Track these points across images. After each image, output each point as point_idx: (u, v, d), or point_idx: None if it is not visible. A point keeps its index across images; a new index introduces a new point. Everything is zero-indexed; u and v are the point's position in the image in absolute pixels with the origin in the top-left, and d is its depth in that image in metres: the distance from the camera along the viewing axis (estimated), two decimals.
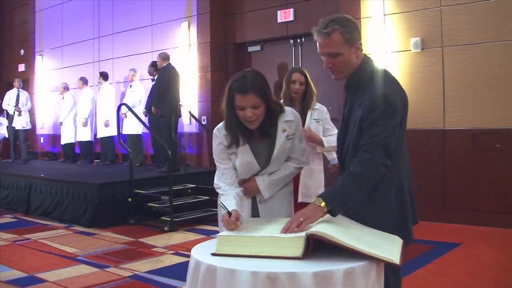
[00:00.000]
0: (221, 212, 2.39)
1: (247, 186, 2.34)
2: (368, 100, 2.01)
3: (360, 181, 1.96)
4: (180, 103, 7.65)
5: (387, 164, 1.98)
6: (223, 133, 2.26)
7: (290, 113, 2.32)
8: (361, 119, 2.01)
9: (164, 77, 7.51)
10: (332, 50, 2.06)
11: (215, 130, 2.31)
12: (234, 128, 2.22)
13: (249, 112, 2.14)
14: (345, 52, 2.06)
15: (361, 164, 1.96)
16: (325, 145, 3.39)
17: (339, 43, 2.05)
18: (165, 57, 7.72)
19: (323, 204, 1.91)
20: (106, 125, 9.09)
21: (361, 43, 2.10)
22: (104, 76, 9.33)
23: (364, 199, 2.01)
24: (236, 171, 2.31)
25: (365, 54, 2.15)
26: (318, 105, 3.65)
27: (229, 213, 2.02)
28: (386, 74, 2.13)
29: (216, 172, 2.35)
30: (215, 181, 2.32)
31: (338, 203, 1.94)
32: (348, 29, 2.06)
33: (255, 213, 2.38)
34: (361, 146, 1.99)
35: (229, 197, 2.18)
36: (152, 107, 7.62)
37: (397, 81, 2.15)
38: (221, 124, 2.30)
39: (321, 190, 3.47)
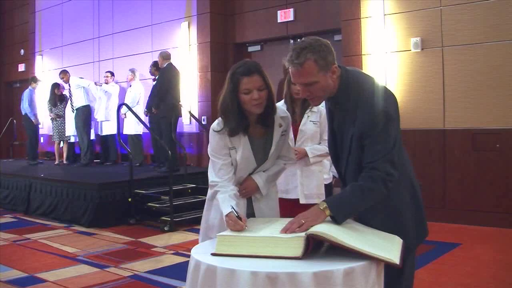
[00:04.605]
0: (210, 214, 2.40)
1: (247, 186, 2.35)
2: (363, 117, 1.98)
3: (368, 196, 1.97)
4: (180, 103, 7.60)
5: (395, 177, 1.98)
6: (221, 127, 2.28)
7: (282, 110, 2.41)
8: (361, 136, 1.99)
9: (164, 78, 7.43)
10: (307, 80, 1.98)
11: (212, 127, 2.32)
12: (234, 114, 2.24)
13: (255, 94, 2.19)
14: (320, 80, 1.98)
15: (371, 180, 1.96)
16: (310, 155, 3.32)
17: (313, 72, 1.95)
18: (165, 56, 7.62)
19: (327, 209, 1.91)
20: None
21: (336, 66, 2.02)
22: (112, 74, 9.32)
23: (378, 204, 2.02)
24: (233, 167, 2.30)
25: (340, 66, 2.06)
26: (321, 106, 3.63)
27: (237, 214, 2.03)
28: (373, 83, 2.08)
29: (211, 169, 2.32)
30: (211, 178, 2.30)
31: (343, 213, 1.95)
32: (322, 55, 1.95)
33: (250, 212, 2.39)
34: (367, 164, 1.98)
35: (230, 197, 2.17)
36: (153, 108, 7.57)
37: (384, 86, 2.11)
38: (217, 121, 2.33)
39: (322, 190, 3.47)
